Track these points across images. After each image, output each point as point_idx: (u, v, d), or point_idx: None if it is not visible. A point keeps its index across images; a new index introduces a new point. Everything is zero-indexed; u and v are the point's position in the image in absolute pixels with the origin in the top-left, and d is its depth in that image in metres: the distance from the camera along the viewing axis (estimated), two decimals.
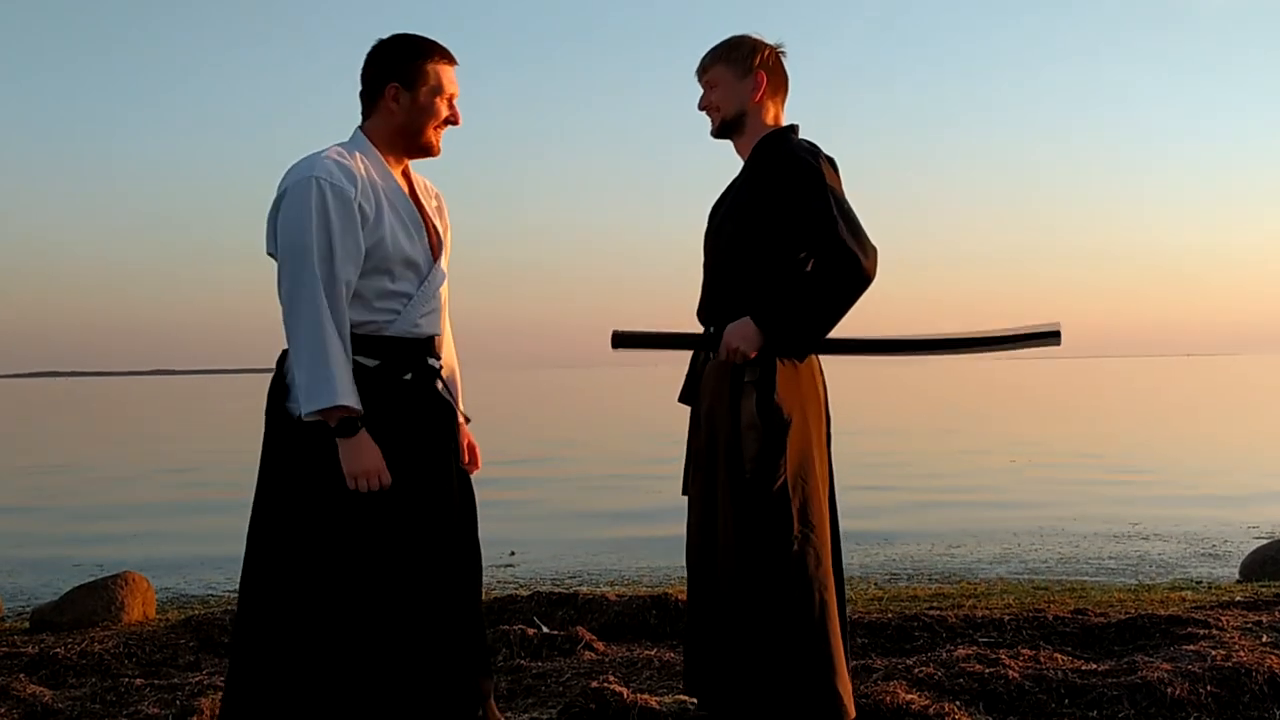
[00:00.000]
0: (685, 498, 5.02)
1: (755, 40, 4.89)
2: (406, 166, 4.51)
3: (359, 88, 4.44)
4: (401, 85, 4.33)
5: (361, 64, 4.42)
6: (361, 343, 4.24)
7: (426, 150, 4.43)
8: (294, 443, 4.23)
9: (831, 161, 4.65)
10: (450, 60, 4.41)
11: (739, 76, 4.84)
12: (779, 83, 4.88)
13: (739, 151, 4.92)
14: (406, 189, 4.45)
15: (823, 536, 4.68)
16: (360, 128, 4.43)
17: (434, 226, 4.47)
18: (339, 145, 4.34)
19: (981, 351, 4.86)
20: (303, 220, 4.09)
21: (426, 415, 4.39)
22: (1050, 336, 4.73)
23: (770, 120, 4.87)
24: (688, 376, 5.02)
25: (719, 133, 4.93)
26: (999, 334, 4.79)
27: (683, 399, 5.04)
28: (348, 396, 4.07)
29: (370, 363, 4.26)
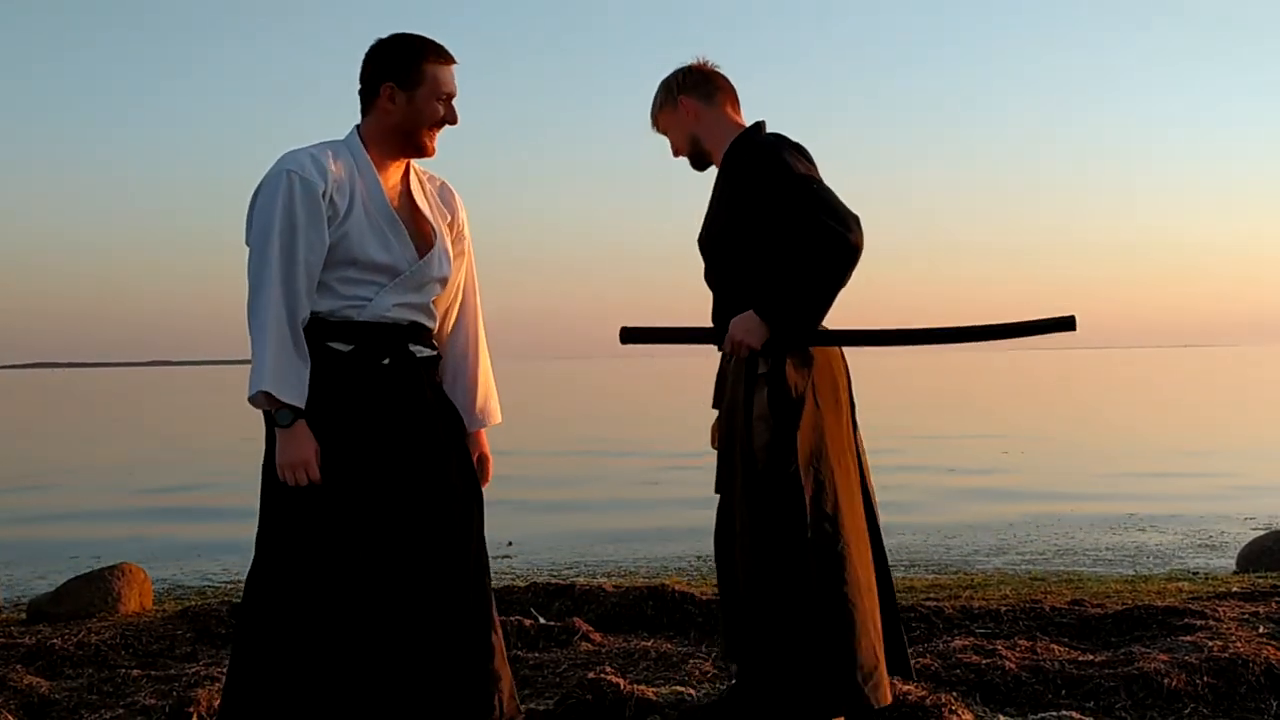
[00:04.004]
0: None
1: (667, 77, 5.03)
2: (408, 165, 4.53)
3: (359, 86, 4.45)
4: (397, 85, 4.34)
5: (361, 62, 4.43)
6: (333, 328, 4.30)
7: (420, 150, 4.44)
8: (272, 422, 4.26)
9: (799, 148, 4.71)
10: (448, 60, 4.41)
11: (673, 112, 5.00)
12: (710, 91, 4.97)
13: (716, 166, 4.99)
14: (401, 189, 4.47)
15: (845, 523, 4.69)
16: (357, 126, 4.45)
17: (431, 226, 4.49)
18: (326, 142, 4.38)
19: (997, 338, 4.86)
20: (270, 211, 4.17)
21: (407, 400, 4.39)
22: (1064, 323, 4.76)
23: (730, 126, 4.95)
24: (718, 380, 5.06)
25: (695, 167, 5.08)
26: (1014, 324, 4.81)
27: (716, 404, 5.07)
28: (272, 384, 4.11)
29: (344, 348, 4.30)
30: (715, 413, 5.07)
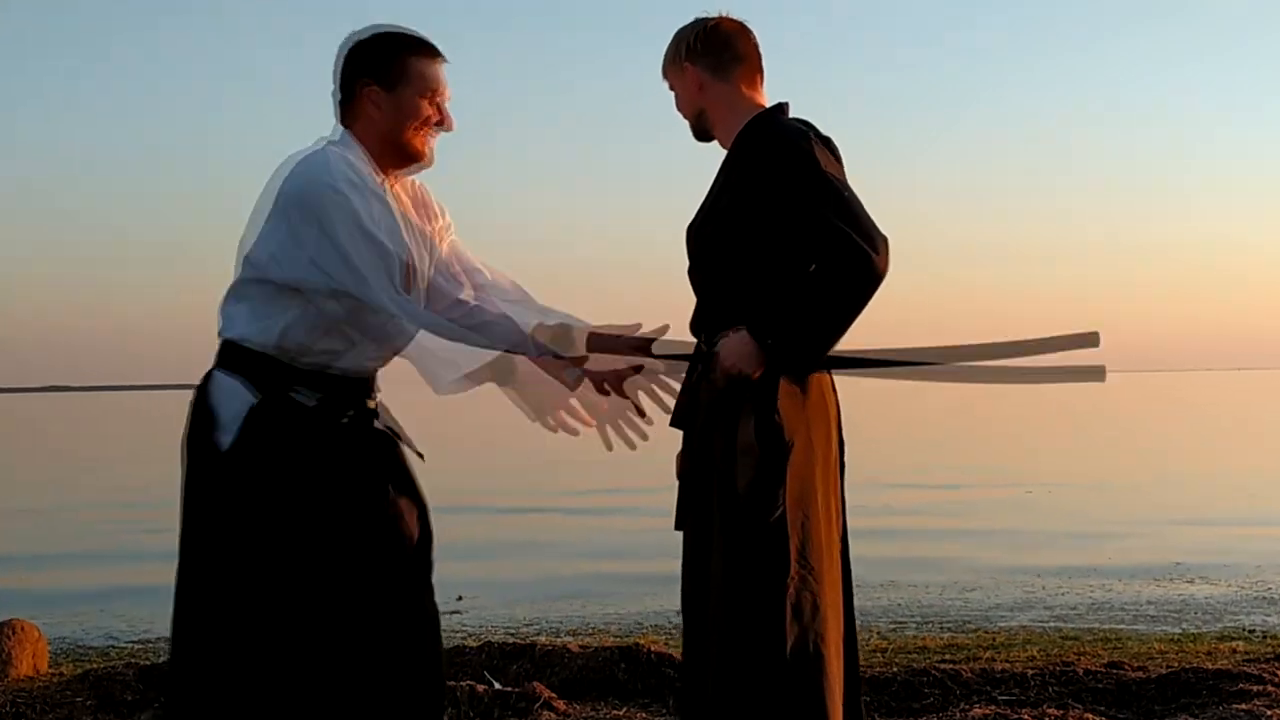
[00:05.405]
0: (674, 534, 4.99)
1: (684, 27, 4.88)
2: (396, 178, 4.53)
3: (331, 89, 4.44)
4: (379, 85, 4.33)
5: (334, 62, 4.42)
6: (303, 376, 4.28)
7: (414, 157, 4.43)
8: (222, 481, 4.23)
9: (828, 143, 4.59)
10: (435, 55, 4.42)
11: (679, 75, 4.85)
12: (725, 62, 4.81)
13: (724, 148, 4.88)
14: (397, 208, 4.46)
15: (825, 580, 4.66)
16: (344, 133, 4.42)
17: (414, 264, 4.47)
18: (333, 145, 4.36)
19: (1014, 376, 4.85)
20: (359, 235, 4.16)
21: (367, 460, 4.39)
22: (1085, 339, 4.78)
23: (744, 104, 4.81)
24: (681, 395, 4.97)
25: (696, 137, 4.93)
26: (1028, 341, 4.81)
27: (675, 422, 4.98)
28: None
29: (310, 400, 4.28)
30: (678, 434, 5.03)
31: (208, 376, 4.33)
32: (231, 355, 4.30)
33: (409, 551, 4.46)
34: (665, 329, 4.79)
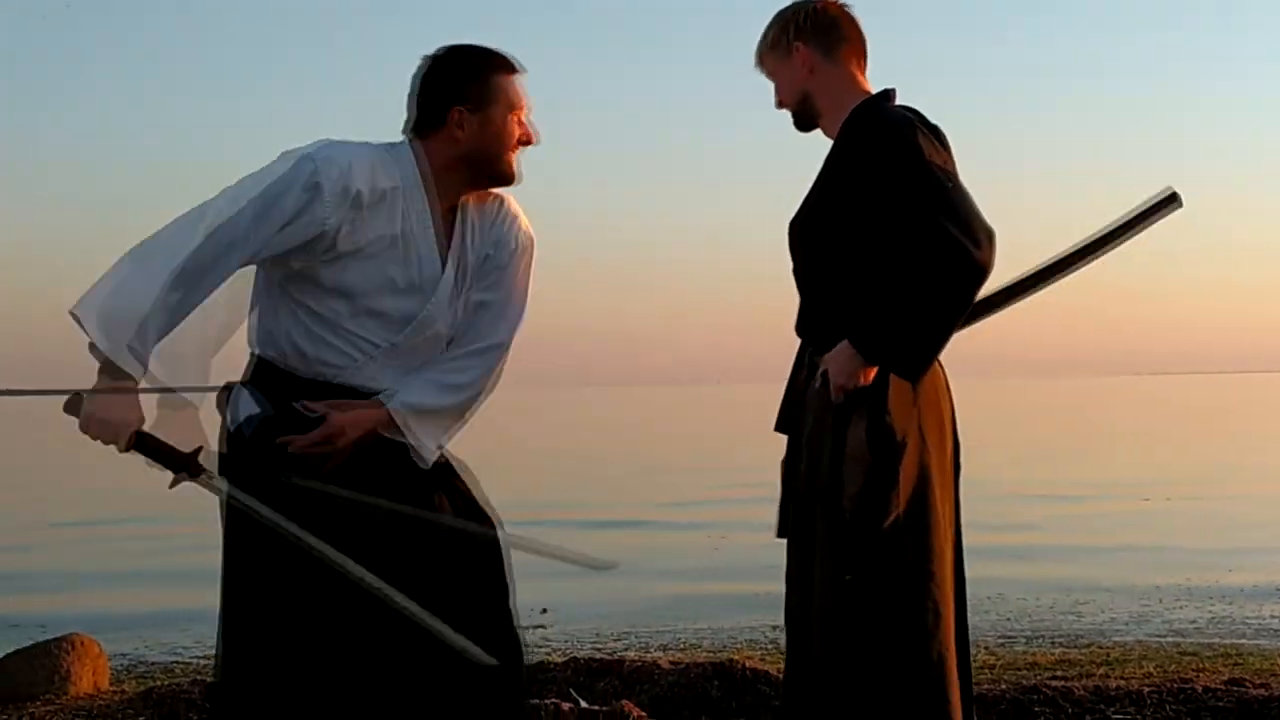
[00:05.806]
0: (770, 549, 4.96)
1: (784, 10, 4.87)
2: (467, 199, 4.52)
3: (416, 110, 4.45)
4: (467, 105, 4.35)
5: (416, 82, 4.45)
6: (306, 388, 4.33)
7: (502, 177, 4.48)
8: (254, 495, 4.25)
9: (935, 130, 4.57)
10: (516, 70, 4.45)
11: (784, 58, 4.84)
12: (834, 42, 4.81)
13: (829, 137, 4.87)
14: (446, 229, 4.45)
15: (943, 588, 4.63)
16: (418, 145, 4.43)
17: (458, 279, 4.48)
18: (387, 151, 4.37)
19: (1101, 252, 4.88)
20: (258, 185, 4.16)
21: (370, 476, 4.39)
22: (1167, 202, 4.82)
23: (853, 89, 4.80)
24: (785, 398, 4.95)
25: (798, 126, 4.94)
26: (1113, 226, 4.90)
27: (780, 426, 4.96)
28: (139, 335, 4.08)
29: (313, 413, 4.30)
30: (774, 446, 4.99)
31: (228, 387, 4.39)
32: (249, 365, 4.43)
33: (456, 566, 4.45)
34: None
